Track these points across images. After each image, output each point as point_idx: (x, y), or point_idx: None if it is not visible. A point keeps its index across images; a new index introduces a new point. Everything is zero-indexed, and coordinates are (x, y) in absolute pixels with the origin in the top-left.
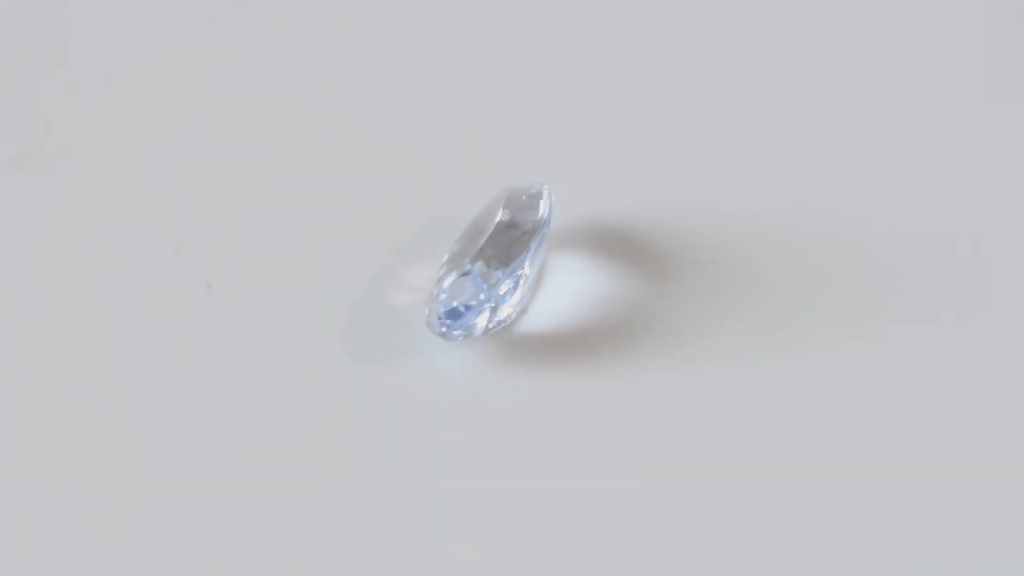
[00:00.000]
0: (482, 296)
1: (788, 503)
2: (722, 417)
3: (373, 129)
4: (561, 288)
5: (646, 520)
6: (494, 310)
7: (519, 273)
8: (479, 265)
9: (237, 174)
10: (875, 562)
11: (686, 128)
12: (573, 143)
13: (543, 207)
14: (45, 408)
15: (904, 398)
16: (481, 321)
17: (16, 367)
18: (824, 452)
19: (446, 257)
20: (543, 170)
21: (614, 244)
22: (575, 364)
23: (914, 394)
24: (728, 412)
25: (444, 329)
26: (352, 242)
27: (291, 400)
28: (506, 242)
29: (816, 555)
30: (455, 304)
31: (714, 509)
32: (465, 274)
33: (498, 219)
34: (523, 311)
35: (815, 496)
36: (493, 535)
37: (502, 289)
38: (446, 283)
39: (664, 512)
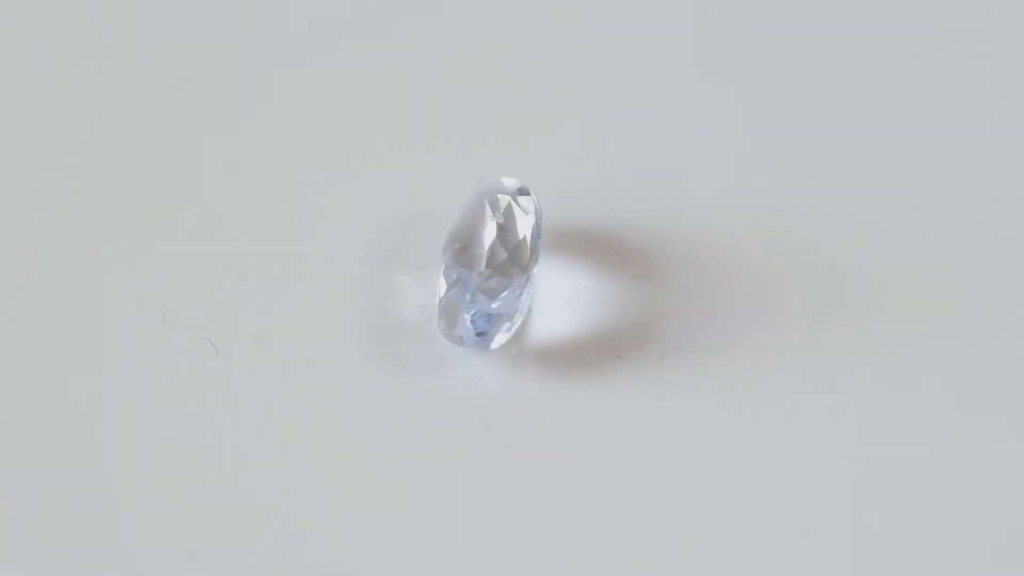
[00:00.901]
0: (512, 300)
1: (805, 506)
2: (750, 418)
3: (336, 130)
4: (554, 289)
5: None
6: (514, 315)
7: (531, 276)
8: (500, 271)
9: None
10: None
11: (648, 120)
12: (529, 138)
13: (533, 207)
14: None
15: (904, 399)
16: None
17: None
18: (831, 455)
19: (448, 262)
20: (505, 166)
21: (590, 240)
22: (593, 367)
23: (913, 395)
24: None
25: (478, 337)
26: (330, 247)
27: (317, 417)
28: (512, 246)
29: (825, 558)
30: (494, 307)
31: (732, 514)
32: (494, 278)
33: (492, 222)
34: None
35: (824, 499)
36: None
37: (520, 293)
38: (476, 289)
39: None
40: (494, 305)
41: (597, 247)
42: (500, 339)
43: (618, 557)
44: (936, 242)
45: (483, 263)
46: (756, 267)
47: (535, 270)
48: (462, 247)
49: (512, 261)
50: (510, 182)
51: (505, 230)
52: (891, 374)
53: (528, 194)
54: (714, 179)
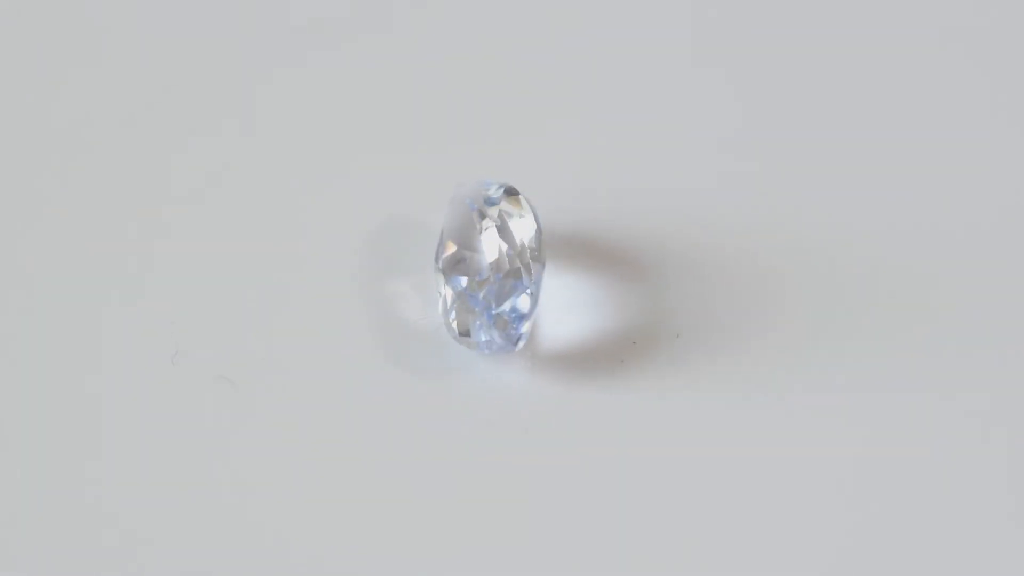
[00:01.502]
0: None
1: (816, 509)
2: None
3: (325, 132)
4: (555, 290)
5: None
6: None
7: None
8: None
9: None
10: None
11: (646, 121)
12: (522, 140)
13: (526, 204)
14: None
15: (907, 400)
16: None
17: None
18: (839, 457)
19: (448, 271)
20: (500, 168)
21: (586, 242)
22: (609, 362)
23: (917, 397)
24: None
25: (502, 340)
26: (325, 252)
27: (337, 426)
28: (517, 246)
29: (834, 560)
30: (518, 306)
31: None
32: (509, 279)
33: (491, 226)
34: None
35: (833, 501)
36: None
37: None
38: (494, 291)
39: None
40: (517, 304)
41: (593, 248)
42: (523, 340)
43: (643, 554)
44: (939, 243)
45: (485, 269)
46: (757, 269)
47: (544, 264)
48: (460, 255)
49: (521, 259)
50: (492, 183)
51: (505, 231)
52: (895, 374)
53: (516, 193)
54: (714, 180)
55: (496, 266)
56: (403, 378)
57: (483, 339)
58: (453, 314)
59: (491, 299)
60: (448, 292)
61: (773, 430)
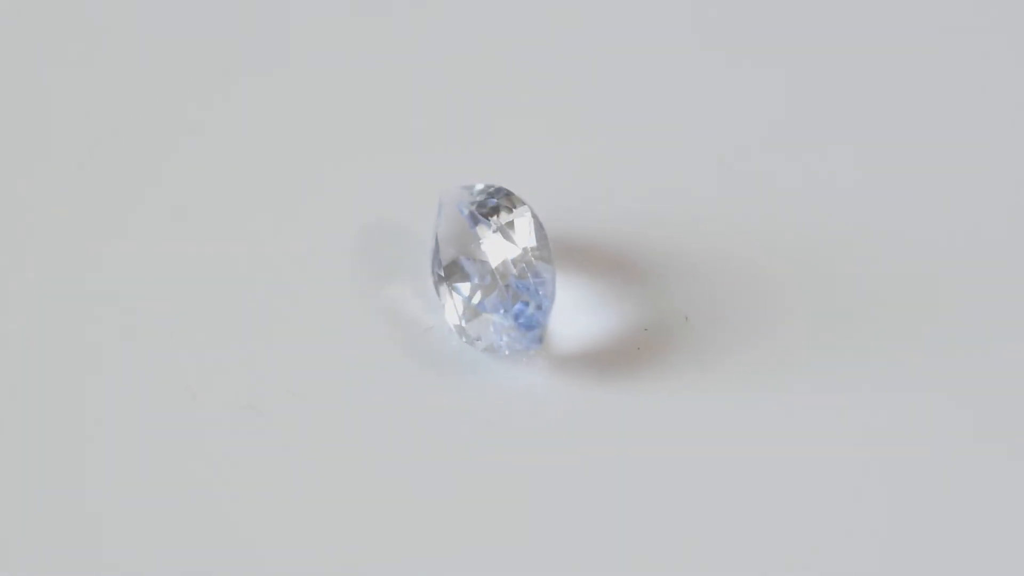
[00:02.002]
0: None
1: (829, 511)
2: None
3: (316, 135)
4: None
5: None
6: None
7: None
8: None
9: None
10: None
11: (645, 121)
12: (517, 142)
13: (524, 206)
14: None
15: (911, 400)
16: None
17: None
18: (847, 460)
19: (456, 277)
20: (496, 171)
21: (582, 244)
22: (624, 360)
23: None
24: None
25: (528, 335)
26: (320, 258)
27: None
28: (520, 250)
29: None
30: (541, 296)
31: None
32: (524, 284)
33: (487, 231)
34: None
35: (845, 505)
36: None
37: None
38: (516, 300)
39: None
40: (531, 303)
41: (592, 250)
42: (540, 339)
43: (661, 551)
44: (942, 244)
45: (492, 274)
46: (758, 269)
47: (551, 258)
48: (463, 262)
49: (526, 259)
50: (478, 185)
51: (505, 232)
52: (899, 374)
53: (509, 193)
54: (714, 182)
55: (503, 269)
56: (416, 381)
57: (502, 341)
58: (465, 321)
59: (504, 302)
60: (457, 299)
61: (786, 429)
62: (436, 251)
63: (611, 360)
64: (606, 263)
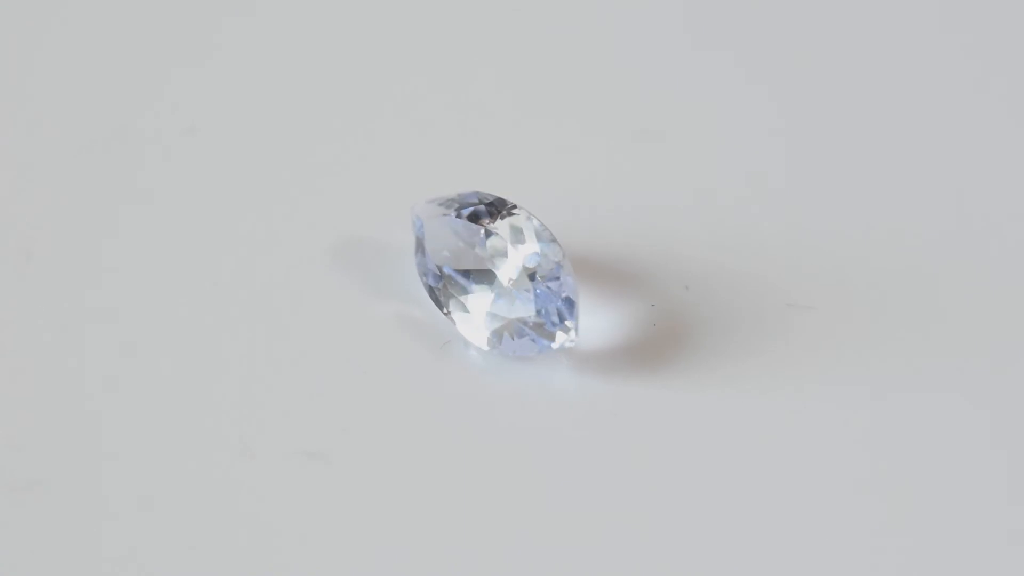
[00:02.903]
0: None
1: (844, 516)
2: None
3: (308, 138)
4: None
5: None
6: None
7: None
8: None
9: None
10: None
11: (642, 121)
12: (513, 144)
13: (520, 206)
14: None
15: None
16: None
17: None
18: (856, 462)
19: (460, 283)
20: (493, 174)
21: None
22: (641, 368)
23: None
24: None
25: (559, 327)
26: (318, 266)
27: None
28: (524, 250)
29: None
30: (565, 287)
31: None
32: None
33: (496, 235)
34: None
35: (857, 508)
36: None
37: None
38: (536, 302)
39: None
40: (564, 295)
41: (594, 252)
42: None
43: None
44: (947, 243)
45: (501, 280)
46: (759, 270)
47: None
48: (470, 271)
49: (545, 254)
50: (458, 194)
51: (505, 233)
52: (905, 374)
53: (503, 201)
54: (716, 180)
55: (510, 272)
56: (448, 395)
57: (525, 343)
58: (484, 327)
59: (525, 305)
60: (475, 308)
61: (792, 430)
62: (427, 264)
63: (630, 355)
64: (606, 263)
